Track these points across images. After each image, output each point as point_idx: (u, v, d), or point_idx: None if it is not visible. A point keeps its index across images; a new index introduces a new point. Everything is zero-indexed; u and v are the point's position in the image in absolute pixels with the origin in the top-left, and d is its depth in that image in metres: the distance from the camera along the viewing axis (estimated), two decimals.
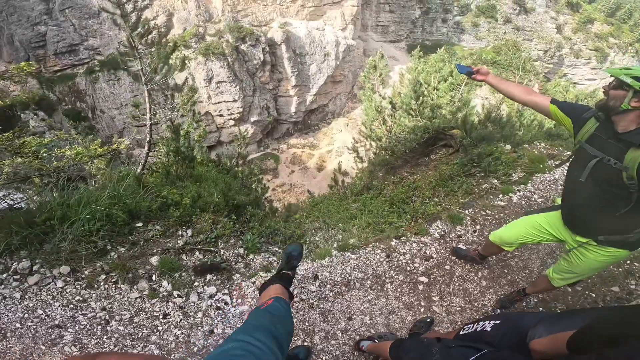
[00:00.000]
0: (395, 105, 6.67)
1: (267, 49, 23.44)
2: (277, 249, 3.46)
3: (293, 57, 24.72)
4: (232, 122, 24.47)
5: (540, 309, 2.74)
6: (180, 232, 3.11)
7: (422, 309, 2.68)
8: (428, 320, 2.50)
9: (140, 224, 2.96)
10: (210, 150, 24.72)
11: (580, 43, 38.99)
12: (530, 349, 1.05)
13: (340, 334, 2.42)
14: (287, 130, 27.91)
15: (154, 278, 2.53)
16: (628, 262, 3.17)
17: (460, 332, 1.43)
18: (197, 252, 2.99)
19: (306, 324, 2.46)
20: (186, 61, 21.12)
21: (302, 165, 24.93)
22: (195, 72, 21.69)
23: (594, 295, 2.91)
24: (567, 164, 1.89)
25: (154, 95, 7.98)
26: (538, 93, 2.01)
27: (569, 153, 4.99)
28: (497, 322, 1.30)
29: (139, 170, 5.44)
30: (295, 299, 2.60)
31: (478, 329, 1.32)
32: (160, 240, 2.95)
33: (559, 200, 2.06)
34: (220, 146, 25.37)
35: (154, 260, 2.68)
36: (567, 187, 1.90)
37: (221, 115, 23.96)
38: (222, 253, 3.09)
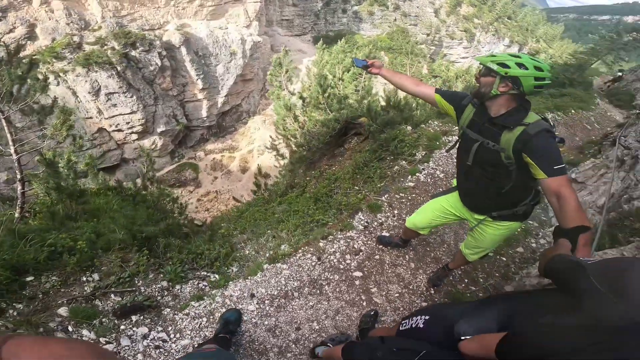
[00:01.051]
0: (305, 100, 6.74)
1: (164, 53, 21.31)
2: (205, 273, 3.21)
3: (196, 60, 23.02)
4: (135, 136, 21.80)
5: (466, 280, 3.06)
6: (84, 278, 2.66)
7: (364, 303, 2.77)
8: (372, 313, 2.59)
9: (31, 278, 2.48)
10: (114, 170, 21.69)
11: (452, 25, 45.12)
12: (461, 351, 1.04)
13: (294, 346, 2.38)
14: (202, 136, 26.13)
15: (70, 329, 2.17)
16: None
17: (400, 328, 1.45)
18: (112, 295, 2.62)
19: (256, 343, 2.36)
20: (61, 74, 17.88)
21: (225, 170, 23.73)
22: (75, 86, 18.54)
23: (504, 259, 3.35)
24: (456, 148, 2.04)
25: (19, 122, 6.56)
26: (425, 84, 2.11)
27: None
28: (427, 317, 1.34)
29: (17, 215, 4.45)
30: None
31: (413, 325, 1.36)
32: (62, 290, 2.51)
33: (455, 182, 2.24)
34: (126, 164, 22.46)
35: (63, 311, 2.30)
36: (459, 170, 2.06)
37: (120, 130, 21.12)
38: (142, 290, 2.74)
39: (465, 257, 2.40)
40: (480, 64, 1.67)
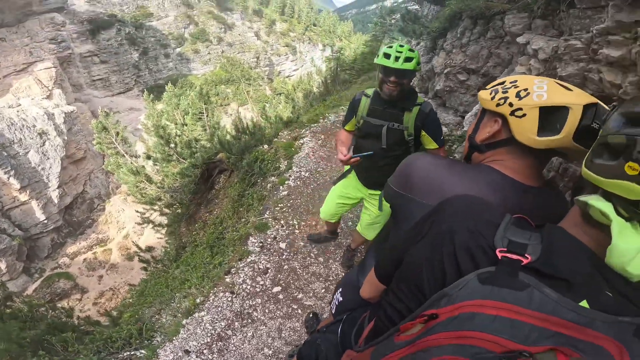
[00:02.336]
0: (152, 157, 6.23)
1: None
2: (128, 353, 2.78)
3: None
4: None
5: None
6: None
7: (299, 311, 2.83)
8: (311, 315, 2.66)
9: None
10: None
11: (275, 43, 49.49)
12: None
13: None
14: (54, 241, 20.69)
15: None
16: None
17: (332, 312, 1.50)
18: None
19: None
20: None
21: (107, 265, 19.60)
22: None
23: None
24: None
25: None
26: (342, 134, 2.21)
27: (307, 133, 6.37)
28: (341, 289, 1.44)
29: None
30: None
31: (336, 303, 1.43)
32: None
33: (347, 168, 2.37)
34: None
35: None
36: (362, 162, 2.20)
37: None
38: None
39: (362, 236, 2.55)
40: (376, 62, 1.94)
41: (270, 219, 3.93)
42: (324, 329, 1.38)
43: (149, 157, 6.65)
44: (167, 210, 5.69)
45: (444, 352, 0.42)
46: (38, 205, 19.68)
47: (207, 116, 8.08)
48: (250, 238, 3.64)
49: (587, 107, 0.69)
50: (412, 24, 5.24)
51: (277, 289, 3.05)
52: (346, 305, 1.35)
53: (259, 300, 2.95)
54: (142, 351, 2.73)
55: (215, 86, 36.55)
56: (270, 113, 10.49)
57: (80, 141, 23.16)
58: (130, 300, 5.98)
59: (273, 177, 5.16)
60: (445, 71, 2.97)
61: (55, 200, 20.68)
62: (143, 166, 5.92)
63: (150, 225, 7.15)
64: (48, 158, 20.41)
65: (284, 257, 3.38)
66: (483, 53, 2.68)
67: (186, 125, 8.24)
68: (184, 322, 2.81)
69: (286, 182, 4.75)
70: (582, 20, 1.15)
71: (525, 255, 0.48)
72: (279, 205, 4.19)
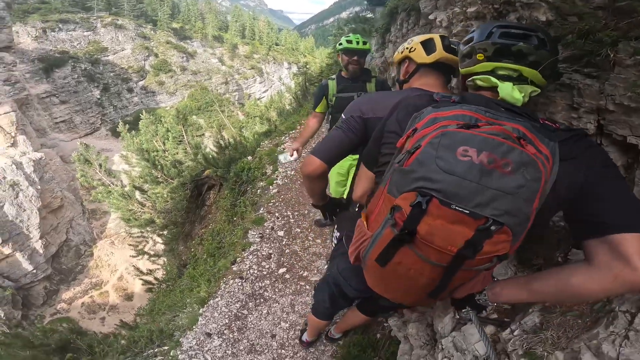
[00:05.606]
0: (137, 187, 6.41)
1: None
2: (152, 350, 2.94)
3: None
4: None
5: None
6: None
7: (307, 287, 3.11)
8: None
9: None
10: None
11: (240, 67, 50.17)
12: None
13: (283, 351, 2.55)
14: (47, 289, 19.73)
15: None
16: None
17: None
18: None
19: None
20: None
21: (107, 307, 18.97)
22: None
23: None
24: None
25: None
26: (310, 119, 2.72)
27: (286, 139, 6.77)
28: (336, 226, 1.67)
29: None
30: None
31: (335, 240, 1.64)
32: None
33: None
34: None
35: None
36: None
37: None
38: None
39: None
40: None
41: (265, 214, 4.25)
42: (328, 272, 1.64)
43: (134, 187, 6.80)
44: (162, 232, 5.84)
45: (429, 136, 0.76)
46: (23, 256, 18.79)
47: (187, 138, 8.34)
48: (250, 231, 3.94)
49: (442, 36, 1.24)
50: (362, 25, 5.89)
51: (282, 270, 3.35)
52: (343, 233, 1.56)
53: (268, 281, 3.23)
54: (164, 348, 2.90)
55: (184, 117, 36.22)
56: (248, 134, 10.82)
57: (55, 189, 22.39)
58: (142, 315, 5.99)
59: (261, 182, 5.48)
60: None
61: (41, 251, 19.81)
62: (134, 189, 6.07)
63: (146, 257, 7.23)
64: (24, 210, 19.63)
65: (283, 243, 3.69)
66: None
67: (167, 150, 8.44)
68: (200, 311, 3.03)
69: (274, 182, 5.10)
70: None
71: (451, 98, 0.89)
72: (272, 201, 4.52)
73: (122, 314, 18.08)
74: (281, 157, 2.67)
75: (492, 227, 0.66)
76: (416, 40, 1.26)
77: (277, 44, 58.64)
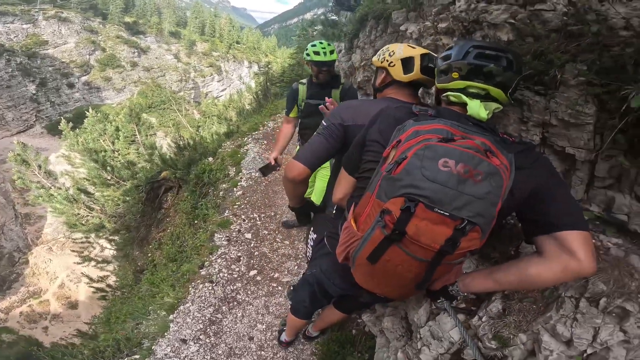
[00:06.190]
0: (85, 188, 5.88)
1: None
2: None
3: None
4: None
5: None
6: None
7: (279, 287, 3.06)
8: (292, 288, 2.86)
9: None
10: None
11: (198, 64, 48.07)
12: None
13: (263, 352, 2.50)
14: None
15: None
16: None
17: (309, 255, 1.74)
18: None
19: None
20: None
21: (49, 315, 17.13)
22: None
23: None
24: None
25: None
26: (285, 124, 2.74)
27: (249, 140, 6.63)
28: (312, 228, 1.70)
29: None
30: None
31: (312, 243, 1.67)
32: None
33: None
34: None
35: None
36: (310, 133, 2.59)
37: None
38: None
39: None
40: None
41: (231, 216, 4.14)
42: (308, 272, 1.64)
43: (79, 190, 6.20)
44: (113, 237, 5.39)
45: (413, 147, 0.83)
46: None
47: (140, 138, 7.78)
48: (216, 234, 3.81)
49: (423, 56, 1.28)
50: (331, 29, 6.02)
51: (253, 272, 3.29)
52: (320, 235, 1.59)
53: (239, 284, 3.16)
54: (136, 356, 2.73)
55: (135, 115, 33.85)
56: (205, 134, 10.39)
57: None
58: (98, 325, 5.45)
59: (224, 184, 5.32)
60: (362, 64, 3.63)
61: None
62: (79, 192, 5.51)
63: (93, 263, 6.63)
64: None
65: (251, 245, 3.63)
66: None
67: (117, 151, 7.84)
68: (170, 317, 2.88)
69: (239, 184, 4.97)
70: (433, 9, 1.84)
71: (429, 112, 0.98)
72: (237, 203, 4.41)
73: (68, 322, 16.73)
74: (263, 170, 2.60)
75: (467, 227, 0.77)
76: (397, 54, 1.30)
77: (238, 42, 57.12)
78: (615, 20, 1.13)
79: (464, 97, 0.96)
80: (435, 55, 1.31)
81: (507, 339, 1.08)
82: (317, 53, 2.39)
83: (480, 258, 1.47)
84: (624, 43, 1.09)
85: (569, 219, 0.85)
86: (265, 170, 2.55)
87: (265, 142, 6.60)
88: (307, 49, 2.46)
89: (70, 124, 8.19)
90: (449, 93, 1.01)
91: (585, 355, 0.96)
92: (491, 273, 0.99)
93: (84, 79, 37.03)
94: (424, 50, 1.31)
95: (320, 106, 1.88)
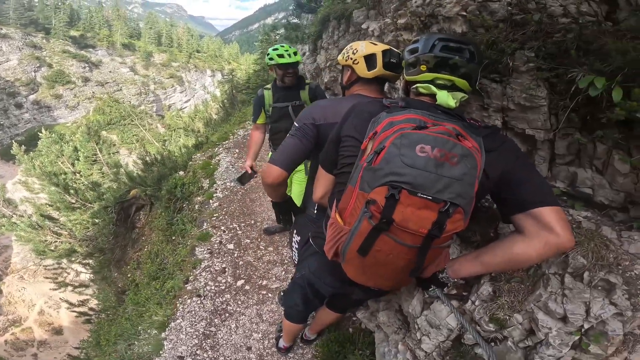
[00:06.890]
0: (49, 214, 5.50)
1: None
2: None
3: None
4: None
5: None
6: None
7: (269, 295, 3.03)
8: (282, 294, 2.84)
9: None
10: None
11: (157, 76, 46.24)
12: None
13: (259, 359, 2.49)
14: None
15: None
16: None
17: (295, 257, 1.71)
18: None
19: None
20: None
21: (34, 343, 16.26)
22: None
23: None
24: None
25: None
26: (254, 131, 2.72)
27: (220, 150, 6.48)
28: (295, 231, 1.65)
29: None
30: None
31: (296, 245, 1.63)
32: None
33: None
34: None
35: None
36: (277, 139, 2.61)
37: None
38: None
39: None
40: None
41: (210, 229, 4.04)
42: (297, 274, 1.63)
43: (42, 216, 5.77)
44: (87, 261, 5.06)
45: (390, 137, 0.86)
46: None
47: (102, 157, 7.34)
48: (197, 248, 3.70)
49: (384, 52, 1.33)
50: (294, 32, 6.04)
51: (240, 282, 3.23)
52: (304, 237, 1.57)
53: (228, 295, 3.09)
54: None
55: (94, 133, 31.96)
56: (172, 148, 9.99)
57: None
58: (88, 349, 5.10)
59: (199, 197, 5.17)
60: (328, 65, 3.68)
61: None
62: (43, 218, 5.11)
63: (70, 288, 6.22)
64: None
65: (235, 255, 3.56)
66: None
67: (79, 173, 7.39)
68: (162, 335, 2.79)
69: (214, 195, 4.86)
70: (392, 5, 1.92)
71: (399, 104, 1.01)
72: (215, 215, 4.31)
73: (56, 348, 16.17)
74: (240, 179, 2.57)
75: (450, 209, 0.80)
76: (360, 52, 1.34)
77: (198, 51, 55.55)
78: (554, 8, 1.23)
79: (433, 88, 1.01)
80: (397, 50, 1.37)
81: (504, 320, 1.11)
82: (281, 56, 2.38)
83: (463, 242, 1.54)
84: (565, 30, 1.18)
85: (541, 196, 0.90)
86: (242, 179, 2.52)
87: (237, 150, 6.49)
88: (268, 54, 2.43)
89: (24, 147, 7.53)
90: (418, 85, 1.05)
91: (583, 330, 0.98)
92: (478, 256, 1.02)
93: (32, 97, 34.51)
94: (386, 47, 1.35)
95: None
